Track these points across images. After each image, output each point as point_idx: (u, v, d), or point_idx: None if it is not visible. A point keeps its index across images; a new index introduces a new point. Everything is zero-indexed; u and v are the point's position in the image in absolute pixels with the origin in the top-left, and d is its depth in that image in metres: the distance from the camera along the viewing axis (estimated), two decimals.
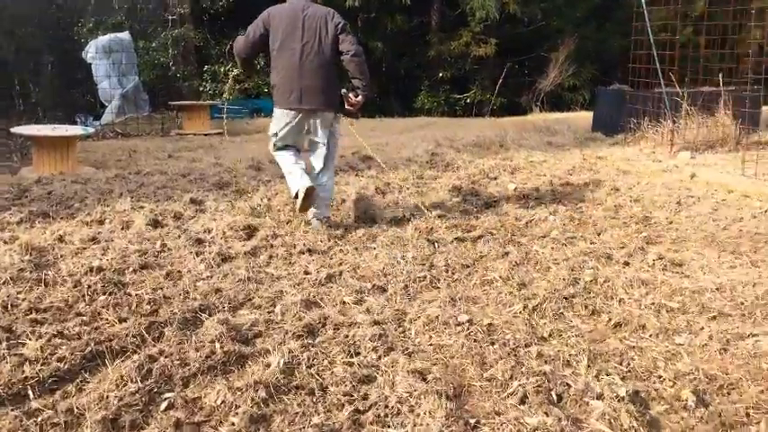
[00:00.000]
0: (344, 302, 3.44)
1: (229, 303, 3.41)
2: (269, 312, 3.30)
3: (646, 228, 4.85)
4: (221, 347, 2.85)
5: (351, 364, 2.74)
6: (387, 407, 2.43)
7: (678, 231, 4.78)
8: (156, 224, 4.72)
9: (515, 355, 2.84)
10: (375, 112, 14.78)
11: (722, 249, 4.32)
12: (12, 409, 2.39)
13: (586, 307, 3.37)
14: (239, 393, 2.48)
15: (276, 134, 4.76)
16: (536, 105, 16.51)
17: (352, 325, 3.13)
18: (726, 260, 4.08)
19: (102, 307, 3.31)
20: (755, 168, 6.66)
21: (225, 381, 2.60)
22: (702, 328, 3.08)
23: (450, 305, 3.37)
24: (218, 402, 2.44)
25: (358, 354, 2.85)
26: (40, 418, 2.35)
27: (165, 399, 2.49)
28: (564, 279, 3.69)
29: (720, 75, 9.05)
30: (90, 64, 11.86)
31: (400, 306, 3.39)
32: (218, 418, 2.38)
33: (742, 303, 3.37)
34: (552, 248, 4.30)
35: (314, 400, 2.49)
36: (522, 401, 2.46)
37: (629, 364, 2.77)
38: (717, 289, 3.54)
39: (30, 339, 2.91)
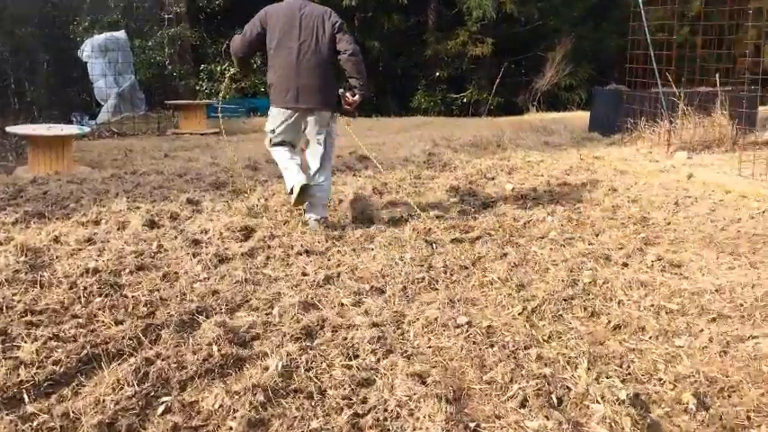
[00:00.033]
0: (343, 304, 3.42)
1: (227, 305, 3.38)
2: (267, 314, 3.28)
3: (644, 228, 4.84)
4: (219, 350, 2.82)
5: (349, 367, 2.72)
6: (386, 410, 2.41)
7: (676, 232, 4.77)
8: (152, 225, 4.69)
9: (515, 358, 2.82)
10: (372, 112, 14.76)
11: (720, 250, 4.31)
12: (7, 414, 2.36)
13: (585, 309, 3.35)
14: (237, 397, 2.45)
15: (273, 131, 4.75)
16: (533, 105, 16.52)
17: (350, 327, 3.11)
18: (724, 261, 4.07)
19: (98, 309, 3.29)
20: (752, 169, 6.67)
21: (222, 384, 2.58)
22: (702, 330, 3.07)
23: (449, 307, 3.35)
24: (216, 406, 2.42)
25: (357, 356, 2.83)
26: (35, 423, 2.33)
27: (162, 403, 2.47)
28: (563, 280, 3.68)
29: (717, 75, 9.05)
30: (86, 63, 11.82)
31: (399, 308, 3.37)
32: (215, 423, 2.36)
33: (741, 305, 3.36)
34: (551, 249, 4.28)
35: (312, 403, 2.47)
36: (523, 405, 2.45)
37: (628, 367, 2.76)
38: (716, 290, 3.53)
39: (25, 342, 2.88)
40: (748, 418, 2.39)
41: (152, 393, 2.53)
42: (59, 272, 3.74)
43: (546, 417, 2.35)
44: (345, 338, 2.99)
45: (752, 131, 8.80)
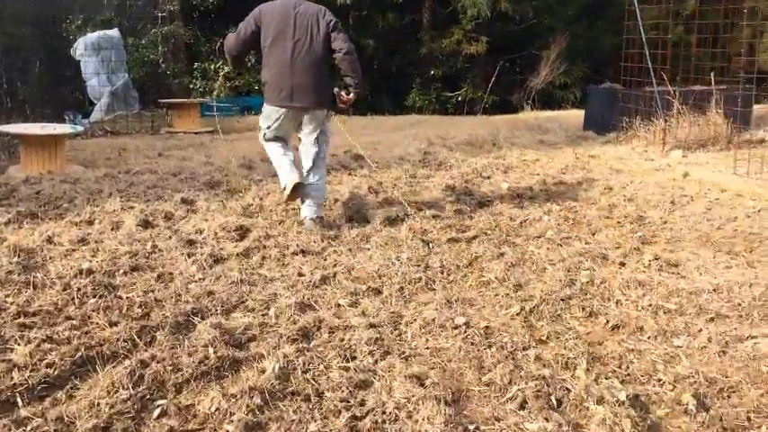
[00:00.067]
0: (339, 305, 3.39)
1: (222, 306, 3.35)
2: (263, 315, 3.25)
3: (640, 227, 4.83)
4: (215, 352, 2.79)
5: (347, 369, 2.69)
6: (384, 413, 2.39)
7: (673, 231, 4.76)
8: (146, 225, 4.65)
9: (513, 359, 2.80)
10: (366, 110, 14.73)
11: (717, 249, 4.31)
12: (0, 418, 2.33)
13: (583, 309, 3.34)
14: (234, 400, 2.42)
15: (268, 127, 4.75)
16: (527, 103, 16.51)
17: (347, 328, 3.09)
18: (721, 260, 4.06)
19: (93, 310, 3.25)
20: (747, 167, 6.68)
21: (219, 387, 2.55)
22: (701, 330, 3.05)
23: (447, 307, 3.33)
24: (213, 409, 2.39)
25: (354, 358, 2.81)
26: (29, 427, 2.29)
27: (158, 406, 2.44)
28: (560, 280, 3.66)
29: (712, 73, 9.06)
30: (79, 61, 11.75)
31: (396, 308, 3.35)
32: (212, 426, 2.33)
33: (739, 304, 3.35)
34: (548, 249, 4.26)
35: (310, 406, 2.45)
36: (522, 407, 2.43)
37: (628, 368, 2.74)
38: (714, 290, 3.52)
39: (18, 344, 2.84)
40: (748, 419, 2.38)
41: (147, 396, 2.50)
42: (53, 273, 3.71)
43: (546, 419, 2.33)
44: (342, 340, 2.96)
45: (746, 130, 8.81)
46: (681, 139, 8.37)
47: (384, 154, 7.92)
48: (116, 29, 12.41)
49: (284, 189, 4.66)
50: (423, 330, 3.08)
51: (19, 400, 2.48)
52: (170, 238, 4.37)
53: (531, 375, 2.63)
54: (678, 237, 4.62)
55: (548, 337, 3.03)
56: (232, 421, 2.32)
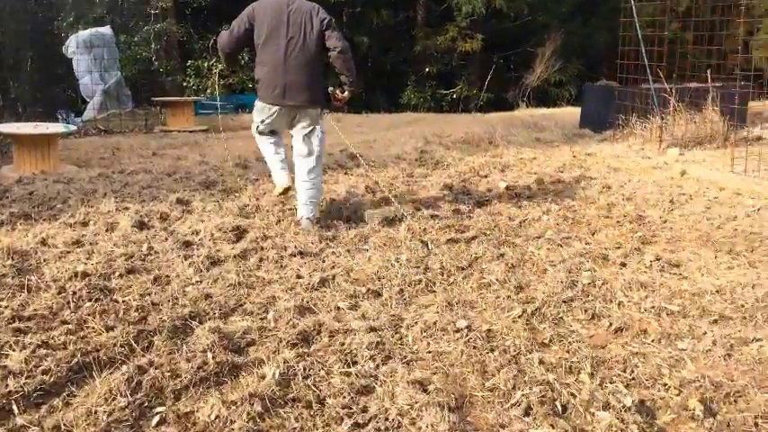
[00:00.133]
0: (339, 308, 3.35)
1: (220, 310, 3.30)
2: (261, 319, 3.21)
3: (640, 227, 4.80)
4: (213, 358, 2.75)
5: (348, 375, 2.65)
6: (387, 419, 2.35)
7: (673, 231, 4.74)
8: (141, 226, 4.59)
9: (517, 363, 2.77)
10: (361, 108, 14.68)
11: (718, 249, 4.28)
12: None
13: (586, 311, 3.30)
14: (234, 407, 2.38)
15: (263, 121, 4.75)
16: (522, 101, 16.49)
17: (347, 332, 3.04)
18: (723, 260, 4.03)
19: (88, 314, 3.20)
20: (745, 165, 6.66)
21: (218, 393, 2.50)
22: (705, 333, 3.02)
23: (448, 310, 3.30)
24: (213, 417, 2.34)
25: (355, 363, 2.76)
26: None
27: (157, 413, 2.39)
28: (561, 282, 3.63)
29: (708, 71, 9.05)
30: (71, 59, 11.65)
31: (396, 311, 3.31)
32: None
33: (742, 306, 3.32)
34: (548, 249, 4.23)
35: (311, 413, 2.40)
36: (527, 413, 2.39)
37: (632, 372, 2.71)
38: (716, 291, 3.50)
39: (13, 350, 2.79)
40: (756, 424, 2.35)
41: (146, 404, 2.45)
42: (47, 276, 3.65)
43: (551, 425, 2.30)
44: (343, 344, 2.92)
45: (743, 127, 8.80)
46: (677, 137, 8.37)
47: (380, 153, 7.88)
48: (108, 26, 12.31)
49: (275, 188, 4.91)
50: (424, 334, 3.04)
51: (15, 407, 2.43)
52: (166, 239, 4.32)
53: (535, 380, 2.59)
54: (678, 236, 4.59)
55: (550, 341, 3.00)
56: (232, 429, 2.28)
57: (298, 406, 2.44)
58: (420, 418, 2.34)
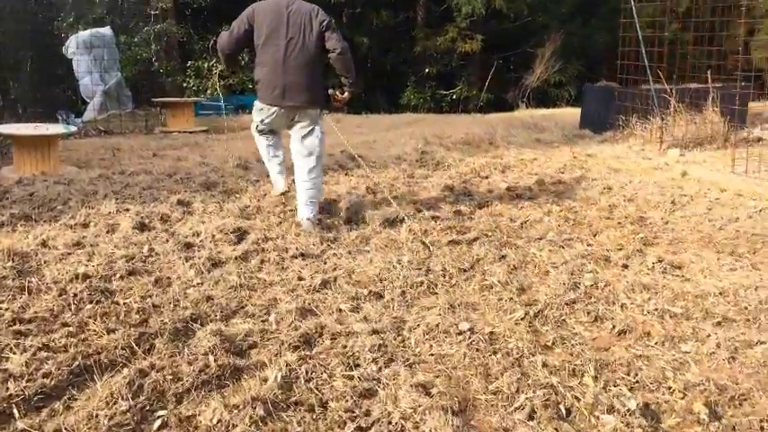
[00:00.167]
0: (341, 310, 3.33)
1: (222, 312, 3.29)
2: (263, 321, 3.19)
3: (642, 228, 4.79)
4: (215, 360, 2.73)
5: (351, 378, 2.64)
6: (390, 423, 2.34)
7: (674, 232, 4.73)
8: (142, 227, 4.58)
9: (520, 366, 2.75)
10: (361, 109, 14.67)
11: (720, 251, 4.27)
12: None
13: (588, 313, 3.29)
14: (236, 411, 2.36)
15: (262, 120, 4.78)
16: (522, 101, 16.48)
17: (349, 334, 3.03)
18: (725, 262, 4.02)
19: (89, 317, 3.18)
20: (746, 166, 6.66)
21: (220, 397, 2.49)
22: (709, 336, 3.01)
23: (450, 312, 3.28)
24: (215, 421, 2.33)
25: (357, 366, 2.75)
26: None
27: (158, 417, 2.38)
28: (564, 284, 3.62)
29: (709, 71, 9.04)
30: (71, 60, 11.64)
31: (398, 313, 3.29)
32: None
33: (746, 308, 3.31)
34: (549, 251, 4.22)
35: (314, 417, 2.39)
36: (531, 417, 2.38)
37: (636, 375, 2.69)
38: (720, 293, 3.49)
39: (14, 353, 2.78)
40: (761, 428, 2.34)
41: (147, 407, 2.44)
42: (48, 277, 3.63)
43: (556, 429, 2.29)
44: (345, 346, 2.91)
45: (743, 128, 8.80)
46: (678, 138, 8.36)
47: (380, 153, 7.87)
48: (108, 27, 12.30)
49: (274, 191, 5.13)
50: (426, 336, 3.03)
51: (15, 411, 2.41)
52: (167, 241, 4.31)
53: (538, 383, 2.58)
54: (680, 238, 4.58)
55: (553, 343, 2.99)
56: None
57: (300, 409, 2.43)
58: (423, 422, 2.32)
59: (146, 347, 2.89)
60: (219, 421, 2.33)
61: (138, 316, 3.23)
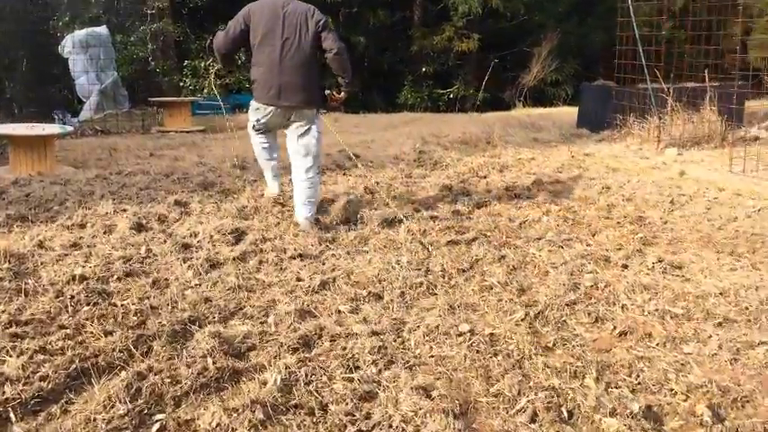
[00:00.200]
0: (340, 311, 3.31)
1: (220, 313, 3.27)
2: (262, 323, 3.17)
3: (641, 228, 4.78)
4: (214, 363, 2.71)
5: (351, 380, 2.62)
6: (391, 426, 2.32)
7: (674, 232, 4.71)
8: (140, 228, 4.55)
9: (521, 368, 2.74)
10: (358, 108, 14.65)
11: (720, 251, 4.26)
12: None
13: (589, 314, 3.27)
14: (236, 415, 2.34)
15: (258, 120, 4.79)
16: (519, 100, 16.48)
17: (349, 336, 3.01)
18: (725, 262, 4.01)
19: (86, 319, 3.15)
20: (743, 165, 6.65)
21: (219, 400, 2.47)
22: (710, 337, 3.00)
23: (450, 313, 3.26)
24: (214, 425, 2.30)
25: (357, 368, 2.73)
26: None
27: (157, 421, 2.35)
28: (564, 284, 3.60)
29: (706, 70, 9.03)
30: (67, 59, 11.59)
31: (398, 315, 3.27)
32: None
33: (747, 308, 3.30)
34: (549, 251, 4.20)
35: (314, 420, 2.37)
36: (533, 419, 2.36)
37: (638, 376, 2.68)
38: (720, 293, 3.47)
39: (10, 356, 2.75)
40: (765, 430, 2.32)
41: (145, 411, 2.41)
42: (45, 279, 3.61)
43: None
44: (345, 348, 2.89)
45: (740, 127, 8.79)
46: (675, 137, 8.34)
47: (378, 153, 7.85)
48: (104, 26, 12.25)
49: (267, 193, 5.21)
50: (426, 338, 3.01)
51: (12, 415, 2.39)
52: (164, 241, 4.28)
53: (540, 386, 2.56)
54: (679, 238, 4.57)
55: (554, 345, 2.97)
56: None
57: (300, 413, 2.41)
58: (424, 425, 2.31)
59: (143, 350, 2.86)
60: (219, 425, 2.30)
61: (135, 318, 3.20)
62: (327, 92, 4.84)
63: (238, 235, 4.43)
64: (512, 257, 4.09)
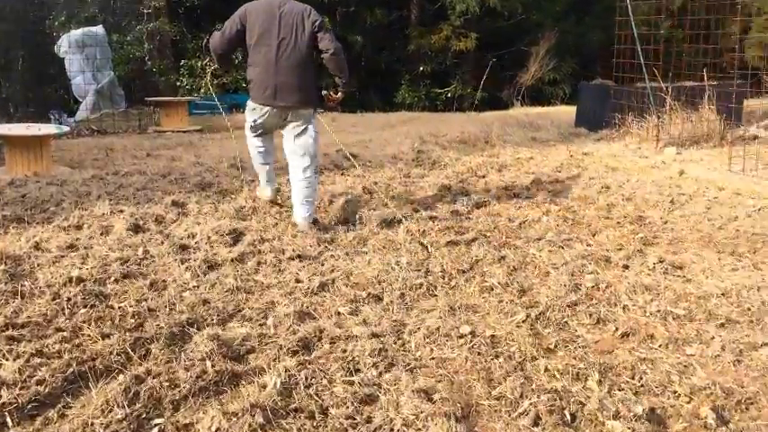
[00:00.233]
0: (339, 313, 3.29)
1: (218, 316, 3.23)
2: (261, 325, 3.14)
3: (641, 228, 4.76)
4: (212, 366, 2.68)
5: (351, 383, 2.59)
6: (392, 430, 2.29)
7: (674, 231, 4.69)
8: (137, 229, 4.52)
9: (522, 370, 2.71)
10: (356, 107, 14.63)
11: (721, 250, 4.24)
12: None
13: (591, 315, 3.25)
14: (235, 419, 2.31)
15: (255, 121, 4.76)
16: (516, 99, 16.47)
17: (349, 338, 2.98)
18: (727, 262, 3.99)
19: (84, 321, 3.12)
20: (743, 164, 6.63)
21: (218, 404, 2.44)
22: (713, 338, 2.97)
23: (450, 315, 3.24)
24: (213, 429, 2.27)
25: (358, 371, 2.70)
26: None
27: (155, 425, 2.32)
28: (565, 285, 3.57)
29: (705, 69, 9.02)
30: (63, 59, 11.54)
31: (398, 316, 3.24)
32: None
33: (749, 309, 3.28)
34: (549, 251, 4.18)
35: (315, 424, 2.34)
36: (536, 423, 2.33)
37: (641, 378, 2.65)
38: (722, 294, 3.45)
39: (7, 359, 2.72)
40: None
41: (144, 415, 2.38)
42: (41, 281, 3.57)
43: None
44: (345, 351, 2.86)
45: (739, 126, 8.78)
46: (674, 136, 8.33)
47: (376, 152, 7.82)
48: (100, 25, 12.20)
49: (259, 196, 5.19)
50: (427, 340, 2.98)
51: (8, 420, 2.35)
52: (162, 243, 4.24)
53: (542, 388, 2.54)
54: (680, 237, 4.55)
55: (556, 346, 2.94)
56: None
57: (300, 416, 2.38)
58: (426, 428, 2.28)
59: (141, 353, 2.83)
60: (218, 429, 2.27)
61: (133, 320, 3.17)
62: (324, 92, 4.85)
63: (236, 236, 4.40)
64: (512, 258, 4.07)
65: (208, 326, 3.10)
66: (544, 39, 16.79)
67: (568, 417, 2.37)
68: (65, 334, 2.99)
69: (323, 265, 3.96)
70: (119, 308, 3.30)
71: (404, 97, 17.67)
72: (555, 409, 2.40)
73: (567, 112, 12.04)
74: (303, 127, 4.65)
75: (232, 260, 3.97)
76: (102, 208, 4.93)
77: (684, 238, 4.53)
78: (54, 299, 3.34)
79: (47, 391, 2.52)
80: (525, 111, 14.26)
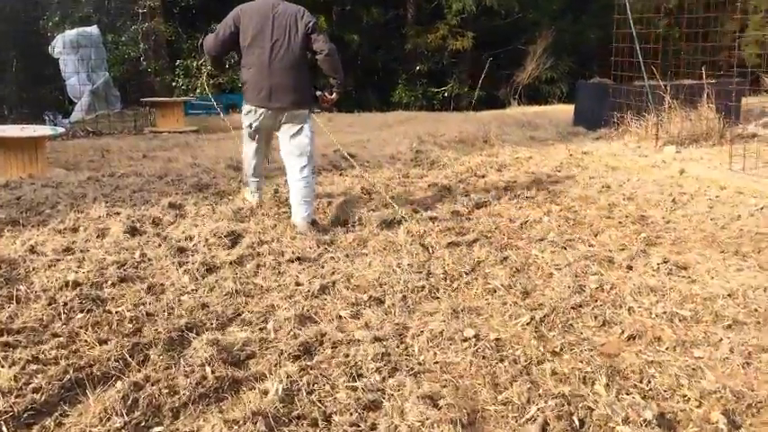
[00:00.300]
0: (341, 317, 3.23)
1: (218, 320, 3.18)
2: (261, 329, 3.08)
3: (643, 228, 4.71)
4: (213, 372, 2.62)
5: (354, 389, 2.54)
6: None
7: (677, 231, 4.65)
8: (134, 232, 4.45)
9: (528, 374, 2.66)
10: (353, 107, 14.56)
11: (725, 250, 4.19)
12: None
13: (596, 317, 3.20)
14: (236, 427, 2.26)
15: (250, 125, 4.76)
16: (514, 98, 16.42)
17: (351, 342, 2.93)
18: (731, 262, 3.94)
19: (80, 327, 3.07)
20: (743, 163, 6.60)
21: (219, 411, 2.38)
22: (721, 340, 2.93)
23: (453, 318, 3.18)
24: None
25: (361, 376, 2.65)
26: None
27: None
28: (569, 286, 3.52)
29: (703, 67, 8.98)
30: (57, 59, 11.46)
31: (400, 320, 3.19)
32: None
33: (756, 310, 3.23)
34: (552, 252, 4.13)
35: (318, 431, 2.29)
36: (544, 429, 2.28)
37: (649, 382, 2.60)
38: (728, 295, 3.40)
39: (2, 366, 2.66)
40: None
41: (143, 423, 2.33)
42: (37, 285, 3.51)
43: None
44: (347, 355, 2.80)
45: (738, 124, 8.75)
46: (673, 135, 8.28)
47: (374, 153, 7.77)
48: (95, 26, 12.13)
49: (245, 198, 5.16)
50: (430, 344, 2.93)
51: (4, 428, 2.30)
52: (159, 245, 4.19)
53: (549, 393, 2.49)
54: (683, 237, 4.51)
55: (561, 349, 2.89)
56: None
57: (303, 424, 2.33)
58: None
59: (140, 359, 2.78)
60: None
61: (131, 325, 3.11)
62: (319, 93, 4.84)
63: (235, 238, 4.34)
64: (514, 259, 4.02)
65: (207, 330, 3.05)
66: (541, 37, 16.75)
67: (577, 422, 2.32)
68: (61, 340, 2.93)
69: (323, 267, 3.90)
70: (116, 312, 3.24)
71: (401, 96, 17.62)
72: (563, 415, 2.35)
73: (565, 110, 12.00)
74: (298, 127, 4.64)
75: (231, 263, 3.92)
76: (99, 210, 4.87)
77: (688, 238, 4.49)
78: (50, 303, 3.29)
79: (43, 398, 2.47)
80: (522, 110, 14.22)
